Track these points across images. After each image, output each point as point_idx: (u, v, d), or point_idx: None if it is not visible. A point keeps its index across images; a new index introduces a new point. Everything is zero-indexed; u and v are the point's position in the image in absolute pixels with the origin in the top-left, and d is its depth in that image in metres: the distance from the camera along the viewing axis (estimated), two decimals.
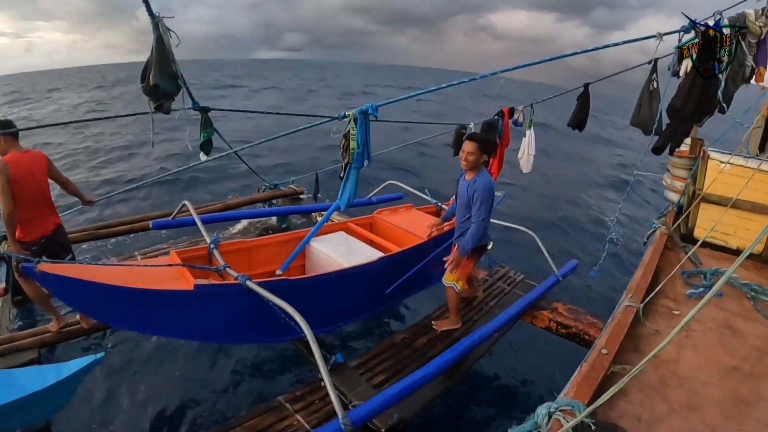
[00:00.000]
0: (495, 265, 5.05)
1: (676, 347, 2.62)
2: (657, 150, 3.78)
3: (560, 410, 1.64)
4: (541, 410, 1.68)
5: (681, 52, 3.13)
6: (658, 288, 2.77)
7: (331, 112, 3.29)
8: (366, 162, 3.15)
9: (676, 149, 5.13)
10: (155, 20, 2.84)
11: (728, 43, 3.01)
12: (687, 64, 3.16)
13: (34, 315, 4.41)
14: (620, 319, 1.98)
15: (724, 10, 3.16)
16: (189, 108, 3.38)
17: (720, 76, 3.08)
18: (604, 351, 1.89)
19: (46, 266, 2.43)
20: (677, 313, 3.02)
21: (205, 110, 3.49)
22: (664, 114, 3.50)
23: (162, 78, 2.93)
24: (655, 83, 3.60)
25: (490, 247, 3.81)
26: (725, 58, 3.04)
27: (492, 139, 3.81)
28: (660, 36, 3.10)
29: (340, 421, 2.19)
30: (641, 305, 1.96)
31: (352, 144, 3.02)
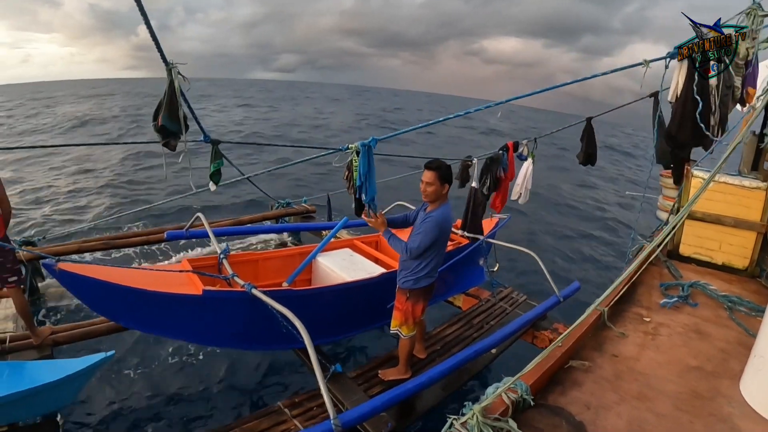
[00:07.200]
0: (498, 285, 5.20)
1: (638, 347, 2.82)
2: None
3: (507, 389, 1.89)
4: (491, 389, 1.94)
5: (682, 52, 3.10)
6: (629, 296, 2.93)
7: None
8: (363, 197, 3.13)
9: (665, 170, 5.37)
10: (168, 67, 2.97)
11: (729, 43, 3.00)
12: (675, 89, 3.20)
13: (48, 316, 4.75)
14: (583, 320, 2.20)
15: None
16: (200, 140, 3.61)
17: (698, 98, 3.09)
18: (558, 344, 2.14)
19: (66, 265, 2.69)
20: (647, 320, 3.21)
21: (215, 143, 3.64)
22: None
23: (169, 121, 3.12)
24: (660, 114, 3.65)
25: (431, 283, 3.26)
26: (725, 58, 3.08)
27: (448, 165, 3.03)
28: (647, 63, 3.20)
29: (332, 421, 2.29)
30: (606, 308, 2.20)
31: (355, 175, 3.12)
